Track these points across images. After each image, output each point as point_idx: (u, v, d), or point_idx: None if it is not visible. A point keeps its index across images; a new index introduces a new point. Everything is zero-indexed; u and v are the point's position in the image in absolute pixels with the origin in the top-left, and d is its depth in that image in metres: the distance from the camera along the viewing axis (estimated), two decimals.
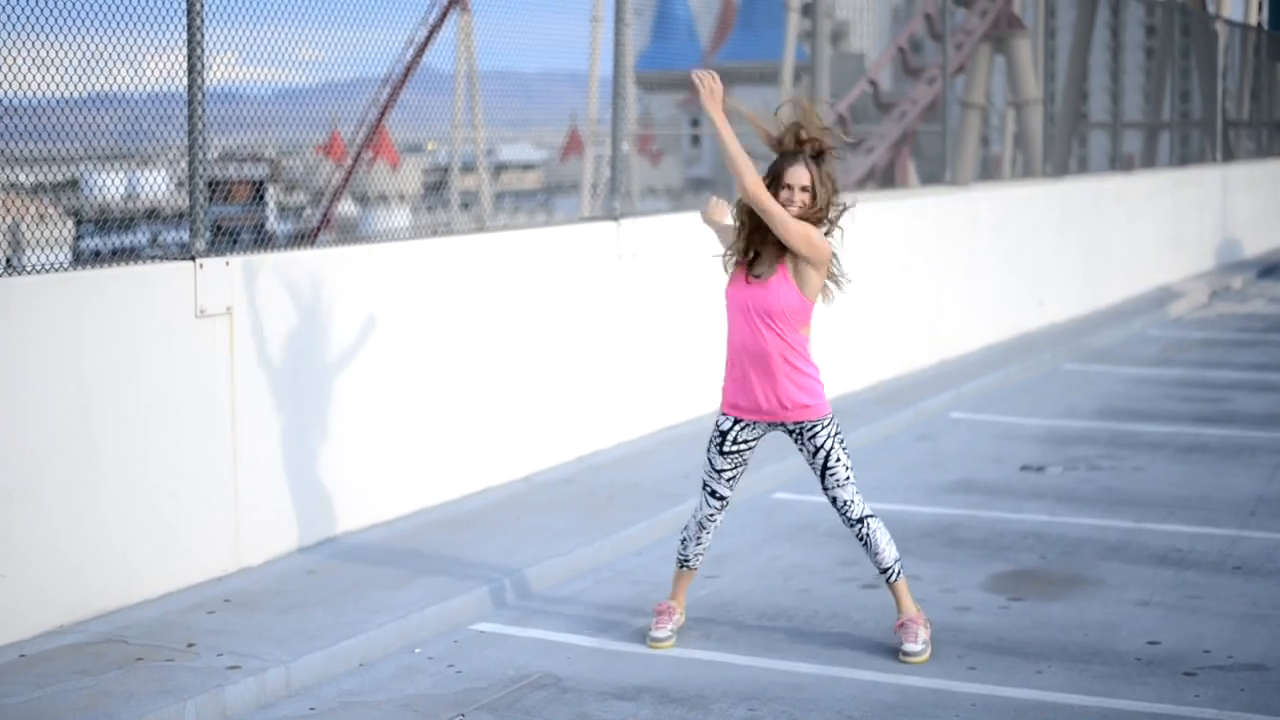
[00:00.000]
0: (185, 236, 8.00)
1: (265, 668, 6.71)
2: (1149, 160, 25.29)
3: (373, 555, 8.40)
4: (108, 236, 11.60)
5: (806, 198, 6.93)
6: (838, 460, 7.14)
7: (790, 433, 7.19)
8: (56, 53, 7.41)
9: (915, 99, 20.37)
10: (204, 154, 8.00)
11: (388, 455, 9.06)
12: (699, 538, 7.39)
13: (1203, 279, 22.73)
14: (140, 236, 13.37)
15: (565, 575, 8.39)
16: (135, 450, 7.53)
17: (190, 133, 7.99)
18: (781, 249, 6.97)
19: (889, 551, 7.18)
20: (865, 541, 7.20)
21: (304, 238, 12.68)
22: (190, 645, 6.97)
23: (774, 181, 6.95)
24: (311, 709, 6.59)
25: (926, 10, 20.14)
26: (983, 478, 10.69)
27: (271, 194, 14.20)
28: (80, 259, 10.70)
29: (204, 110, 7.99)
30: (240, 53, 8.49)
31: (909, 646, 7.11)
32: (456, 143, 15.48)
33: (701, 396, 11.42)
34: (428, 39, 14.96)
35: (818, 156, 7.01)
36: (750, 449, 7.25)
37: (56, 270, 7.36)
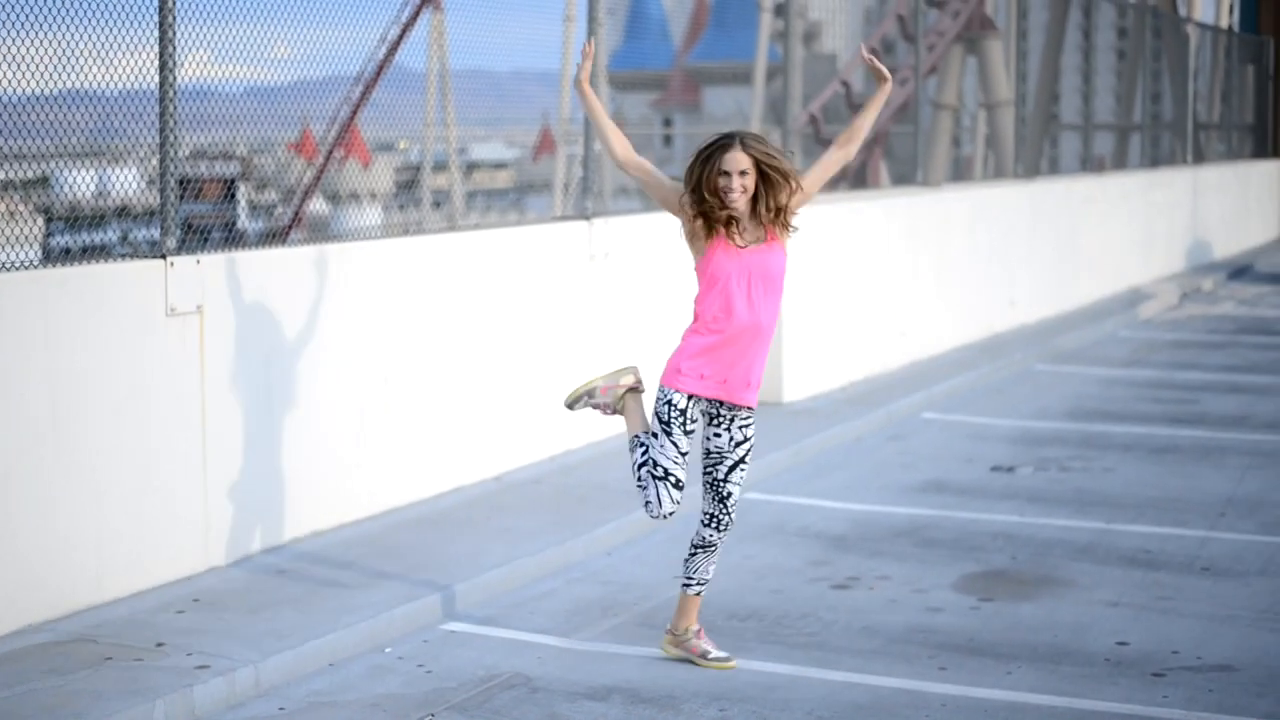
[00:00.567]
0: (156, 234, 7.98)
1: (234, 667, 6.68)
2: (1120, 162, 25.35)
3: (343, 555, 8.38)
4: (78, 234, 11.56)
5: (749, 181, 6.56)
6: (749, 457, 6.91)
7: (715, 417, 6.85)
8: (27, 49, 7.38)
9: (887, 100, 20.38)
10: (175, 152, 7.97)
11: (358, 455, 9.04)
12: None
13: (1173, 280, 22.81)
14: (111, 234, 13.33)
15: (535, 575, 8.39)
16: (105, 449, 7.50)
17: (161, 130, 7.96)
18: (761, 214, 6.63)
19: (712, 571, 7.04)
20: (709, 550, 6.96)
21: (275, 236, 12.64)
22: (159, 645, 6.94)
23: (707, 171, 6.56)
24: (281, 709, 6.57)
25: (899, 11, 20.15)
26: (954, 478, 10.71)
27: (243, 192, 14.15)
28: (50, 257, 10.67)
29: (175, 108, 7.96)
30: (212, 50, 8.47)
31: (719, 653, 7.02)
32: (428, 141, 15.43)
33: None
34: (400, 37, 14.96)
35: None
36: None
37: (26, 268, 7.33)
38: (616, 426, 11.12)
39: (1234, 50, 30.37)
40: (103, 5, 7.74)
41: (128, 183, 11.09)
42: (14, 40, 7.29)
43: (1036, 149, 20.95)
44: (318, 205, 15.19)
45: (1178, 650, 7.19)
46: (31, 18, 7.38)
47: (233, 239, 9.60)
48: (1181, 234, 24.65)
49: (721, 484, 6.87)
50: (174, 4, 7.91)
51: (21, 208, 10.50)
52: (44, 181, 10.49)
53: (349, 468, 8.98)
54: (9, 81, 7.33)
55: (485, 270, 10.01)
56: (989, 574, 8.47)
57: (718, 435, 6.85)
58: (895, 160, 20.41)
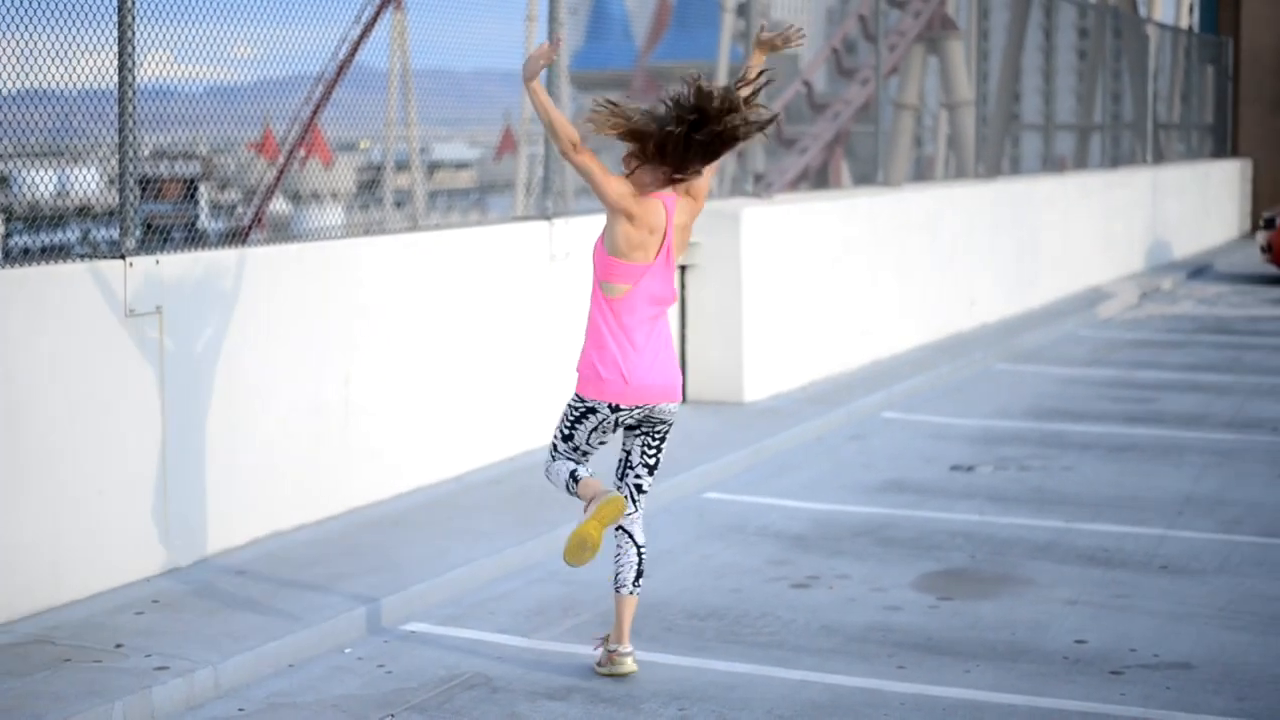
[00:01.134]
0: (116, 234, 7.95)
1: (193, 668, 6.67)
2: (1081, 161, 25.45)
3: (302, 556, 8.37)
4: (38, 234, 11.51)
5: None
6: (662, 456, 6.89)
7: (641, 422, 6.72)
8: None
9: (849, 100, 20.43)
10: (135, 151, 7.96)
11: (318, 455, 9.03)
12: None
13: (1133, 280, 22.92)
14: (71, 234, 13.27)
15: (496, 575, 8.39)
16: (63, 449, 7.48)
17: (121, 130, 7.94)
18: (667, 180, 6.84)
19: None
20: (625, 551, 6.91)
21: (236, 236, 12.61)
22: (118, 646, 6.93)
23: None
24: (240, 710, 6.56)
25: (860, 11, 20.20)
26: (914, 477, 10.75)
27: (203, 192, 14.11)
28: (9, 256, 10.62)
29: (135, 107, 7.95)
30: (172, 50, 8.44)
31: (625, 648, 6.91)
32: (390, 141, 15.39)
33: None
34: (361, 37, 14.91)
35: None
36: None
37: None
38: None
39: (1194, 50, 30.52)
40: (62, 4, 7.71)
41: (88, 182, 11.05)
42: None
43: (997, 149, 21.04)
44: (279, 205, 15.14)
45: (1135, 648, 7.23)
46: None
47: (193, 239, 9.57)
48: (1141, 233, 24.76)
49: (636, 479, 6.87)
50: (133, 3, 7.90)
51: None
52: (3, 181, 10.43)
53: (309, 468, 8.96)
54: None
55: (446, 270, 10.01)
56: (948, 573, 8.50)
57: (636, 437, 6.83)
58: (856, 160, 20.45)
